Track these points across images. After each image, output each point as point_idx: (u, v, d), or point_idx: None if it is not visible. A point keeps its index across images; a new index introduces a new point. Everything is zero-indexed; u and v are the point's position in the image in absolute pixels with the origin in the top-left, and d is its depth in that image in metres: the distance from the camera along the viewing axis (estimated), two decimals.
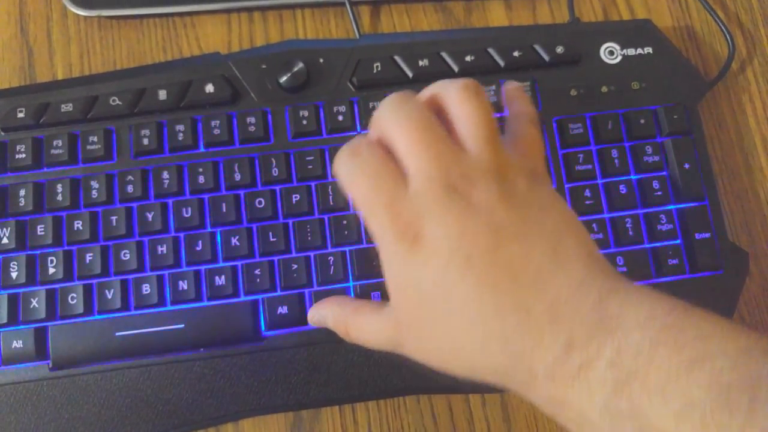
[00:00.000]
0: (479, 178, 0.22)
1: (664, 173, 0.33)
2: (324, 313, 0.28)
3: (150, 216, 0.32)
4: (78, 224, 0.31)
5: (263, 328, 0.31)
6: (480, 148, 0.23)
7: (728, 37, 0.37)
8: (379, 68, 0.33)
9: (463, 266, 0.21)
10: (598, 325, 0.20)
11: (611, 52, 0.35)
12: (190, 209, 0.32)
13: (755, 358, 0.18)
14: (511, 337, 0.20)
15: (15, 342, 0.30)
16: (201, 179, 0.32)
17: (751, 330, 0.19)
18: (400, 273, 0.23)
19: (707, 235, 0.32)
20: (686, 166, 0.33)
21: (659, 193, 0.32)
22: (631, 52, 0.35)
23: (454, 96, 0.24)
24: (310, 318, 0.29)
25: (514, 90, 0.29)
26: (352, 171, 0.24)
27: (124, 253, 0.31)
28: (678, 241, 0.32)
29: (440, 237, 0.21)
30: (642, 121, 0.33)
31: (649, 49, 0.35)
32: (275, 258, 0.31)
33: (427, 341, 0.23)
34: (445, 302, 0.21)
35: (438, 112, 0.24)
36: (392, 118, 0.23)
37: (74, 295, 0.31)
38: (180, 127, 0.33)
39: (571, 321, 0.20)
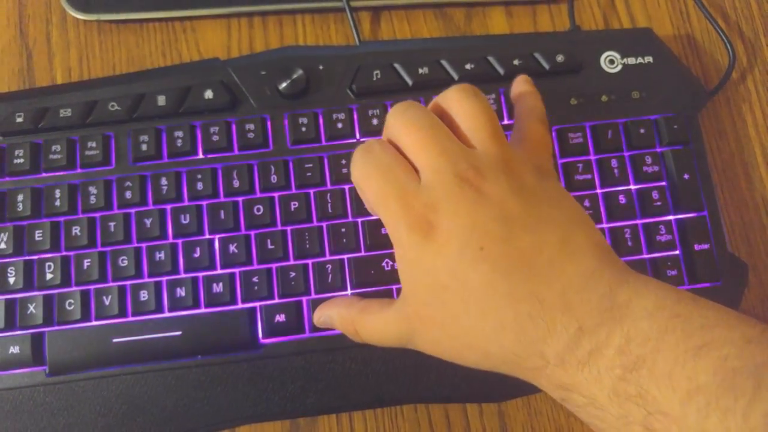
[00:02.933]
0: (488, 171, 0.23)
1: (663, 183, 0.33)
2: (330, 314, 0.28)
3: (148, 222, 0.31)
4: (76, 230, 0.31)
5: (260, 335, 0.31)
6: (485, 142, 0.24)
7: (729, 46, 0.37)
8: (379, 75, 0.33)
9: (476, 256, 0.21)
10: (608, 314, 0.20)
11: (611, 61, 0.35)
12: (188, 216, 0.32)
13: (760, 346, 0.18)
14: (524, 325, 0.21)
15: (12, 347, 0.30)
16: (199, 186, 0.32)
17: (756, 320, 0.20)
18: (413, 263, 0.23)
19: (706, 246, 0.32)
20: (686, 176, 0.33)
21: (658, 203, 0.32)
22: (631, 61, 0.34)
23: (453, 97, 0.25)
24: (315, 319, 0.29)
25: (521, 85, 0.29)
26: (364, 167, 0.24)
27: (122, 260, 0.31)
28: (677, 252, 0.32)
29: (453, 227, 0.22)
30: (642, 131, 0.33)
31: (649, 58, 0.35)
32: (273, 265, 0.31)
33: (439, 332, 0.23)
34: (459, 291, 0.22)
35: (441, 117, 0.25)
36: (398, 123, 0.24)
37: (71, 301, 0.31)
38: (179, 133, 0.32)
39: (582, 309, 0.20)
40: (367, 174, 0.24)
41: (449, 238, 0.22)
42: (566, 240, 0.22)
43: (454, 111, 0.24)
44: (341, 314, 0.27)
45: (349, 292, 0.31)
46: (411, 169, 0.24)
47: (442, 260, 0.22)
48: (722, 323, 0.19)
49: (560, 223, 0.22)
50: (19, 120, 0.33)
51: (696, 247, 0.32)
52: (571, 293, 0.21)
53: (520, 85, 0.29)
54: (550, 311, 0.21)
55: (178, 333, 0.31)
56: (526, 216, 0.22)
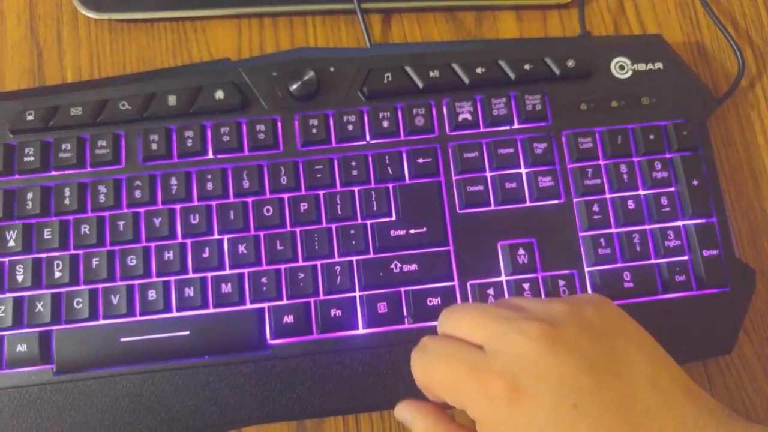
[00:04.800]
0: (552, 316, 0.22)
1: (672, 189, 0.33)
2: (413, 417, 0.26)
3: (157, 222, 0.31)
4: (85, 228, 0.31)
5: (268, 336, 0.31)
6: (537, 304, 0.23)
7: (738, 54, 0.37)
8: (390, 78, 0.33)
9: (572, 415, 0.20)
10: None
11: (622, 67, 0.35)
12: (197, 216, 0.32)
13: None
14: None
15: (19, 345, 0.30)
16: (209, 186, 0.32)
17: None
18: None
19: (715, 252, 0.32)
20: (695, 182, 0.33)
21: (667, 209, 0.32)
22: (641, 67, 0.35)
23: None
24: (396, 411, 0.27)
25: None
26: (424, 362, 0.24)
27: (131, 259, 0.31)
28: (685, 258, 0.32)
29: (539, 387, 0.21)
30: (651, 137, 0.33)
31: (659, 65, 0.35)
32: (282, 266, 0.31)
33: None
34: None
35: None
36: (451, 319, 0.24)
37: (80, 299, 0.31)
38: (189, 133, 0.32)
39: None
40: (430, 367, 0.23)
41: (539, 400, 0.20)
42: (654, 382, 0.21)
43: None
44: (427, 427, 0.25)
45: (357, 294, 0.31)
46: (471, 345, 0.23)
47: (538, 427, 0.20)
48: None
49: (640, 360, 0.21)
50: (30, 118, 0.33)
51: (704, 253, 0.32)
52: None
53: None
54: None
55: (186, 333, 0.31)
56: (605, 358, 0.21)
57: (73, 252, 0.31)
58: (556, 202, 0.32)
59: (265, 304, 0.31)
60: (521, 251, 0.31)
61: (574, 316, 0.22)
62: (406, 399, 0.26)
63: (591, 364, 0.21)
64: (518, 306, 0.24)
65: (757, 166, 0.36)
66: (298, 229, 0.32)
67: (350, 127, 0.33)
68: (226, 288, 0.31)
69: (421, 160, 0.32)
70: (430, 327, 0.30)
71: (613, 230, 0.32)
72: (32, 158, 0.32)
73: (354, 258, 0.31)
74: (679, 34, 0.38)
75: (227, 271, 0.31)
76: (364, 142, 0.33)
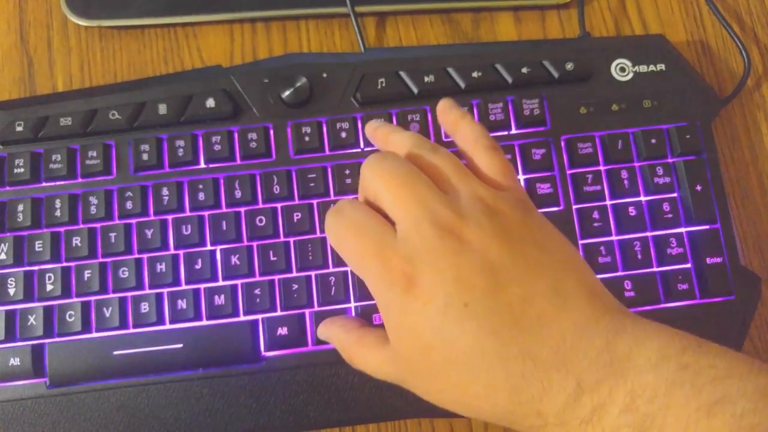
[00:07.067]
0: (468, 214, 0.22)
1: (675, 195, 0.32)
2: (329, 335, 0.28)
3: (149, 233, 0.31)
4: (76, 240, 0.31)
5: (262, 348, 0.30)
6: (461, 186, 0.23)
7: (744, 53, 0.36)
8: (384, 84, 0.33)
9: (461, 313, 0.20)
10: (609, 368, 0.19)
11: (622, 69, 0.34)
12: (189, 226, 0.31)
13: None
14: (517, 384, 0.20)
15: (12, 359, 0.30)
16: (201, 196, 0.31)
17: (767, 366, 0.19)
18: (397, 320, 0.22)
19: (719, 259, 0.31)
20: (698, 187, 0.32)
21: (670, 215, 0.32)
22: (643, 68, 0.34)
23: (412, 155, 0.24)
24: (318, 332, 0.28)
25: (450, 113, 0.27)
26: (337, 228, 0.24)
27: (123, 271, 0.31)
28: (688, 266, 0.31)
29: (435, 282, 0.21)
30: (653, 141, 0.32)
31: (661, 66, 0.34)
32: (275, 277, 0.31)
33: (429, 385, 0.22)
34: (446, 351, 0.21)
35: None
36: (373, 173, 0.24)
37: (72, 312, 0.30)
38: (180, 143, 0.32)
39: (580, 365, 0.19)
40: (341, 235, 0.23)
41: (432, 294, 0.21)
42: (557, 288, 0.21)
43: (418, 164, 0.24)
44: (339, 338, 0.26)
45: (352, 305, 0.31)
46: (385, 223, 0.23)
47: (426, 319, 0.21)
48: (734, 374, 0.18)
49: (549, 268, 0.21)
50: (20, 129, 0.32)
51: (708, 260, 0.31)
52: (565, 348, 0.20)
53: (449, 114, 0.27)
54: (545, 369, 0.19)
55: (180, 345, 0.30)
56: (512, 263, 0.21)
57: (64, 264, 0.31)
58: (555, 209, 0.32)
59: (259, 316, 0.31)
60: None
61: (492, 216, 0.22)
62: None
63: (493, 268, 0.21)
64: (447, 180, 0.23)
65: (764, 169, 0.35)
66: (291, 239, 0.31)
67: (344, 135, 0.32)
68: (219, 300, 0.31)
69: None
70: None
71: (614, 238, 0.31)
72: (22, 170, 0.32)
73: (349, 268, 0.31)
74: (683, 33, 0.37)
75: (220, 283, 0.31)
76: (359, 150, 0.32)
